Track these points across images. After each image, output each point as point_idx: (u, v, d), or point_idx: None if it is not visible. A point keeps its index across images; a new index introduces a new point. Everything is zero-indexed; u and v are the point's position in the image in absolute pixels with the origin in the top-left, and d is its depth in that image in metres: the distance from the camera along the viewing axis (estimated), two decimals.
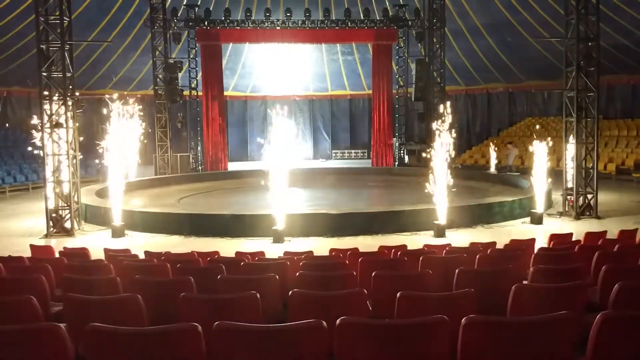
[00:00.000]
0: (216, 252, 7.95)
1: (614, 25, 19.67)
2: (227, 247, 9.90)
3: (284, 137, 11.55)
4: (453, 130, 11.90)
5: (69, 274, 5.64)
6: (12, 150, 22.86)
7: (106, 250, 8.08)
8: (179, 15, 22.70)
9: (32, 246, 8.82)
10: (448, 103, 12.35)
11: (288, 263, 6.24)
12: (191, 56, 23.78)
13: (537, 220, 12.80)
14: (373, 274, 4.92)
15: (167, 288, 5.00)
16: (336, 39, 24.57)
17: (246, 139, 29.91)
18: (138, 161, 12.83)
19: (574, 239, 8.53)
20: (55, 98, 12.32)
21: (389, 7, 24.39)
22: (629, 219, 12.69)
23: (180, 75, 22.78)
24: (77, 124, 12.78)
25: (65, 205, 12.42)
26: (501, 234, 11.38)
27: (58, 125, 12.34)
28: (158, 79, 22.02)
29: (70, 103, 12.44)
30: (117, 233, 12.10)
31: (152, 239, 11.76)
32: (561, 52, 14.11)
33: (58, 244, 10.63)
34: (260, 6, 24.48)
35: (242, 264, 6.31)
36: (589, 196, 13.43)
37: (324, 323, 2.98)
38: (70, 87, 12.52)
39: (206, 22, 22.80)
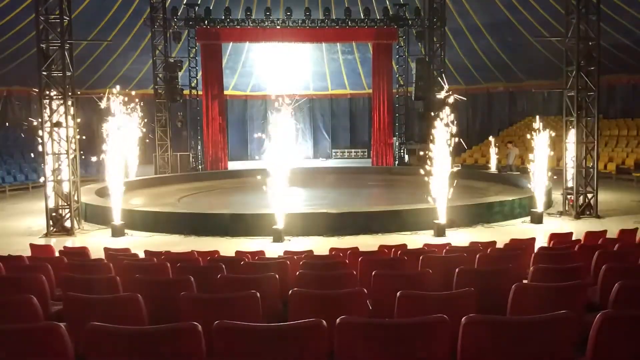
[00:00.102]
0: (216, 252, 7.95)
1: (615, 24, 19.66)
2: (227, 246, 9.90)
3: (284, 132, 11.53)
4: (454, 128, 11.85)
5: (69, 273, 5.64)
6: (12, 150, 22.86)
7: (106, 250, 8.09)
8: (179, 14, 22.69)
9: (32, 245, 8.82)
10: (450, 98, 12.24)
11: (288, 262, 6.24)
12: (191, 55, 23.77)
13: (537, 219, 12.80)
14: (373, 273, 4.92)
15: (167, 287, 5.00)
16: (336, 38, 24.56)
17: (246, 138, 29.90)
18: (138, 155, 12.82)
19: (574, 238, 8.53)
20: (55, 97, 12.31)
21: (389, 7, 24.38)
22: (629, 218, 12.69)
23: (180, 74, 22.77)
24: (78, 121, 12.79)
25: (65, 204, 12.42)
26: (501, 233, 11.38)
27: (58, 124, 12.34)
28: (158, 78, 22.02)
29: (70, 102, 12.44)
30: (117, 232, 12.10)
31: (152, 238, 11.76)
32: (561, 51, 14.11)
33: (58, 243, 10.64)
34: (260, 5, 24.48)
35: (242, 263, 6.31)
36: (589, 195, 13.44)
37: (324, 322, 2.98)
38: (70, 86, 12.52)
39: (206, 22, 22.79)
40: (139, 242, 11.09)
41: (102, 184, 15.27)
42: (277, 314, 4.70)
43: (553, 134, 13.62)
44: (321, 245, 10.03)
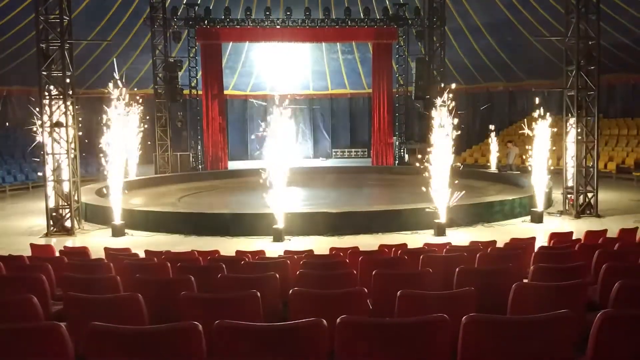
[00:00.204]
0: (216, 251, 7.96)
1: (614, 23, 19.65)
2: (228, 246, 9.90)
3: (283, 132, 11.52)
4: (453, 132, 11.83)
5: (70, 273, 5.64)
6: (12, 150, 22.87)
7: (106, 249, 8.09)
8: (179, 14, 22.68)
9: (32, 245, 8.82)
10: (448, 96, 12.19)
11: (288, 262, 6.24)
12: (191, 55, 23.76)
13: (537, 219, 12.81)
14: (373, 272, 4.92)
15: (167, 287, 5.01)
16: (336, 38, 24.54)
17: (246, 137, 29.90)
18: (139, 152, 12.82)
19: (574, 237, 8.53)
20: (55, 97, 12.31)
21: (389, 6, 24.37)
22: (629, 217, 12.69)
23: (180, 74, 22.77)
24: (79, 120, 12.79)
25: (66, 204, 12.42)
26: (501, 232, 11.39)
27: (58, 124, 12.34)
28: (158, 78, 22.02)
29: (70, 102, 12.44)
30: (118, 232, 12.11)
31: (152, 238, 11.76)
32: (561, 50, 14.10)
33: (58, 243, 10.65)
34: (260, 5, 24.47)
35: (242, 262, 6.31)
36: (589, 195, 13.44)
37: (324, 322, 2.98)
38: (70, 86, 12.52)
39: (206, 21, 22.78)
40: (139, 242, 11.10)
41: (103, 184, 15.29)
42: (277, 313, 4.70)
43: (554, 129, 13.52)
44: (321, 244, 10.04)
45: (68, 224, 12.41)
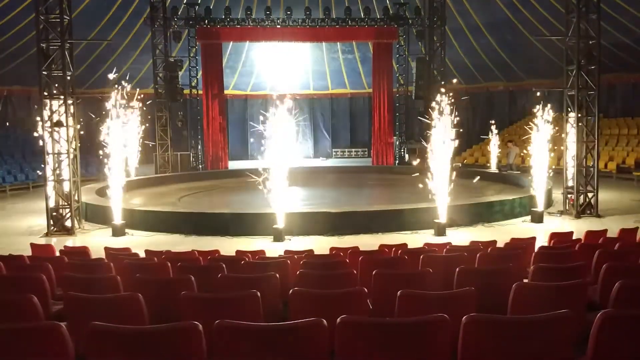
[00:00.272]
0: (216, 251, 7.96)
1: (615, 23, 19.64)
2: (228, 245, 9.90)
3: (283, 132, 11.51)
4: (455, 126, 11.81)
5: (70, 272, 5.64)
6: (12, 149, 22.87)
7: (107, 249, 8.09)
8: (179, 13, 22.69)
9: (32, 245, 8.82)
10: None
11: (288, 262, 6.24)
12: (191, 55, 23.78)
13: (537, 218, 12.80)
14: (373, 272, 4.92)
15: (167, 287, 5.01)
16: (336, 37, 24.55)
17: (246, 137, 29.90)
18: (139, 152, 12.81)
19: (574, 237, 8.53)
20: (55, 97, 12.32)
21: (389, 6, 24.38)
22: (630, 217, 12.68)
23: (180, 74, 22.78)
24: (80, 120, 12.79)
25: (66, 204, 12.43)
26: (502, 232, 11.39)
27: (58, 124, 12.34)
28: (158, 78, 22.02)
29: (70, 102, 12.44)
30: (118, 232, 12.11)
31: (152, 238, 11.76)
32: (562, 50, 14.09)
33: (58, 243, 10.65)
34: (260, 5, 24.48)
35: (242, 262, 6.31)
36: (590, 195, 13.43)
37: (325, 322, 2.98)
38: (71, 86, 12.52)
39: (206, 21, 22.79)
40: (140, 242, 11.10)
41: (103, 184, 15.28)
42: (277, 313, 4.70)
43: (555, 128, 13.47)
44: (321, 244, 10.05)
45: (68, 223, 12.41)
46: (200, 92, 23.94)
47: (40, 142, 12.50)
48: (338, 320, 3.01)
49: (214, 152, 23.82)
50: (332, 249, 8.19)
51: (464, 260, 5.77)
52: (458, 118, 11.80)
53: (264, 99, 29.28)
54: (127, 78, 12.85)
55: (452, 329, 3.03)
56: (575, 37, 13.21)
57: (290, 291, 4.16)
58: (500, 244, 7.84)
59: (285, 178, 11.48)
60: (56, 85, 12.35)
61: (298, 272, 5.28)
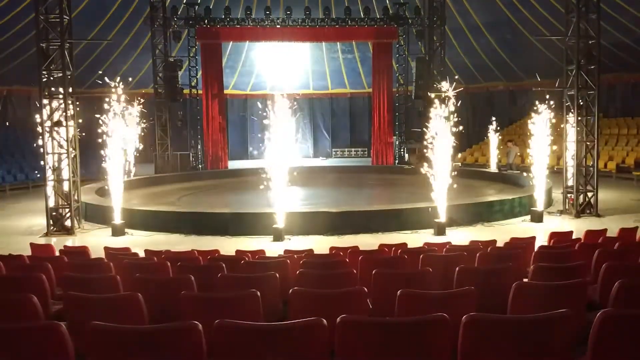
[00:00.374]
0: (216, 251, 7.96)
1: (615, 23, 19.64)
2: (228, 245, 9.90)
3: (283, 132, 11.50)
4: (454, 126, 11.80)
5: (70, 272, 5.64)
6: (12, 149, 22.86)
7: (106, 249, 8.09)
8: (179, 13, 22.69)
9: (32, 245, 8.81)
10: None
11: (288, 261, 6.24)
12: (191, 55, 23.77)
13: (537, 218, 12.80)
14: (373, 272, 4.92)
15: (167, 286, 5.00)
16: (336, 37, 24.55)
17: (246, 137, 29.89)
18: (136, 154, 12.79)
19: (574, 237, 8.53)
20: (55, 96, 12.31)
21: (389, 6, 24.38)
22: (629, 217, 12.68)
23: (180, 73, 22.77)
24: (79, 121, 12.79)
25: (66, 203, 12.42)
26: (501, 232, 11.39)
27: (58, 123, 12.34)
28: (158, 78, 22.02)
29: (70, 101, 12.44)
30: (117, 231, 12.11)
31: (152, 238, 11.76)
32: (562, 50, 14.09)
33: (58, 243, 10.65)
34: (260, 5, 24.48)
35: (242, 262, 6.31)
36: (589, 194, 13.44)
37: (324, 321, 2.97)
38: (70, 85, 12.51)
39: (206, 21, 22.79)
40: (139, 241, 11.10)
41: (103, 183, 15.28)
42: (277, 313, 4.70)
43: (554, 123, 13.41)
44: (321, 244, 10.04)
45: (68, 223, 12.41)
46: (200, 92, 23.94)
47: (40, 142, 12.49)
48: (338, 319, 3.01)
49: (213, 152, 23.82)
50: (331, 248, 8.19)
51: (463, 260, 5.77)
52: (458, 118, 11.79)
53: (264, 98, 29.27)
54: (126, 79, 12.79)
55: (452, 329, 3.03)
56: (575, 37, 13.21)
57: (290, 291, 4.15)
58: (500, 244, 7.84)
59: (285, 178, 11.48)
60: (56, 85, 12.34)
61: (298, 272, 5.28)
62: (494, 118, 21.48)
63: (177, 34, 22.77)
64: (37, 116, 12.67)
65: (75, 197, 12.69)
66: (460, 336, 3.02)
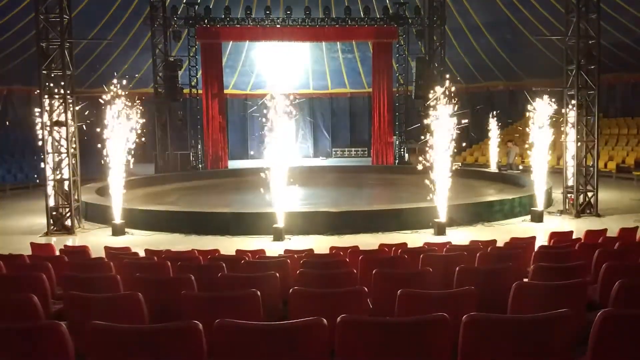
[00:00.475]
0: (216, 250, 7.96)
1: (615, 23, 19.64)
2: (228, 245, 9.90)
3: (283, 131, 11.50)
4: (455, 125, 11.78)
5: (70, 272, 5.65)
6: (12, 149, 22.86)
7: (107, 248, 8.09)
8: (179, 13, 22.69)
9: (32, 244, 8.81)
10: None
11: (288, 261, 6.24)
12: (191, 54, 23.77)
13: (537, 218, 12.80)
14: (373, 271, 4.92)
15: (167, 286, 5.01)
16: (336, 37, 24.56)
17: (246, 137, 29.90)
18: (132, 155, 12.75)
19: (574, 237, 8.53)
20: (55, 96, 12.31)
21: (389, 5, 24.38)
22: (630, 217, 12.68)
23: (180, 73, 22.78)
24: (79, 121, 12.78)
25: (66, 203, 12.42)
26: (501, 232, 11.39)
27: (58, 123, 12.34)
28: (158, 77, 22.02)
29: (70, 101, 12.44)
30: (118, 231, 12.11)
31: (152, 237, 11.76)
32: (562, 50, 14.09)
33: (58, 242, 10.66)
34: (260, 4, 24.48)
35: (242, 262, 6.31)
36: (590, 194, 13.44)
37: (325, 321, 2.97)
38: (70, 85, 12.51)
39: (206, 20, 22.79)
40: (140, 241, 11.10)
41: (103, 183, 15.27)
42: (277, 312, 4.70)
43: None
44: (321, 244, 10.05)
45: (68, 223, 12.41)
46: (200, 91, 23.94)
47: (40, 141, 12.49)
48: (338, 319, 3.01)
49: (213, 152, 23.82)
50: (332, 248, 8.19)
51: (463, 260, 5.77)
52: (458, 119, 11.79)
53: (264, 98, 29.25)
54: (128, 78, 12.77)
55: (452, 328, 3.03)
56: (575, 36, 13.21)
57: (291, 290, 4.16)
58: (500, 244, 7.84)
59: (285, 177, 11.48)
60: (56, 84, 12.34)
61: (298, 272, 5.28)
62: (494, 118, 21.48)
63: (177, 34, 22.77)
64: (38, 115, 12.68)
65: (76, 197, 12.69)
66: (461, 336, 3.02)
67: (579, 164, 13.45)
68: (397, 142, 25.34)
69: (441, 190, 11.66)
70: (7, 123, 24.32)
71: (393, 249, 7.66)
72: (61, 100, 12.33)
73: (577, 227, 11.22)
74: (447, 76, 12.51)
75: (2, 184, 19.78)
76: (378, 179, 21.56)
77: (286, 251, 8.04)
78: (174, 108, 23.14)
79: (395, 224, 11.94)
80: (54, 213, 12.41)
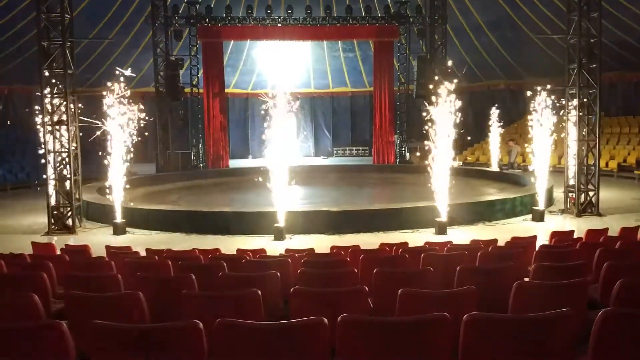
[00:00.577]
0: (217, 250, 7.96)
1: (616, 21, 19.61)
2: (229, 244, 9.91)
3: (283, 130, 11.50)
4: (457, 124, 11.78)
5: (71, 271, 5.65)
6: (13, 148, 22.88)
7: (107, 248, 8.10)
8: (180, 12, 22.69)
9: (33, 243, 8.83)
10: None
11: (289, 260, 6.24)
12: (192, 53, 23.77)
13: (538, 217, 12.79)
14: (374, 271, 4.91)
15: (168, 285, 5.01)
16: (337, 36, 24.54)
17: (247, 136, 29.90)
18: (131, 154, 12.75)
19: (575, 236, 8.52)
20: (56, 95, 12.32)
21: (390, 4, 24.35)
22: (631, 216, 12.68)
23: (181, 72, 22.78)
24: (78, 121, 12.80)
25: (67, 202, 12.43)
26: (502, 231, 11.38)
27: (59, 122, 12.34)
28: (159, 77, 22.03)
29: (71, 100, 12.44)
30: (119, 230, 12.12)
31: (153, 236, 11.77)
32: (563, 48, 14.07)
33: (59, 242, 10.67)
34: (261, 3, 24.46)
35: (243, 261, 6.32)
36: (591, 193, 13.42)
37: (325, 320, 2.97)
38: (71, 84, 12.52)
39: (207, 19, 22.79)
40: (140, 240, 11.11)
41: (104, 182, 15.28)
42: (278, 312, 4.70)
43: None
44: (322, 243, 10.05)
45: (69, 222, 12.42)
46: (201, 90, 23.94)
47: (41, 141, 12.50)
48: (339, 318, 3.02)
49: (214, 151, 23.82)
50: (332, 247, 8.19)
51: (464, 259, 5.77)
52: (461, 118, 11.79)
53: (265, 96, 29.22)
54: (130, 76, 12.76)
55: (453, 328, 3.03)
56: (576, 35, 13.19)
57: (291, 290, 4.16)
58: (501, 243, 7.84)
59: (286, 177, 11.48)
60: (57, 83, 12.35)
61: (299, 271, 5.28)
62: (495, 116, 21.45)
63: (178, 33, 22.77)
64: (39, 115, 12.68)
65: (77, 196, 12.70)
66: (461, 335, 3.02)
67: (580, 163, 13.44)
68: (399, 141, 25.33)
69: (441, 188, 11.65)
70: (8, 122, 24.35)
71: (394, 248, 7.66)
72: (62, 100, 12.34)
73: (578, 226, 11.21)
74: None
75: (3, 183, 19.80)
76: (379, 178, 21.56)
77: (287, 250, 8.04)
78: (175, 107, 23.14)
79: (396, 223, 11.93)
80: (55, 212, 12.42)
